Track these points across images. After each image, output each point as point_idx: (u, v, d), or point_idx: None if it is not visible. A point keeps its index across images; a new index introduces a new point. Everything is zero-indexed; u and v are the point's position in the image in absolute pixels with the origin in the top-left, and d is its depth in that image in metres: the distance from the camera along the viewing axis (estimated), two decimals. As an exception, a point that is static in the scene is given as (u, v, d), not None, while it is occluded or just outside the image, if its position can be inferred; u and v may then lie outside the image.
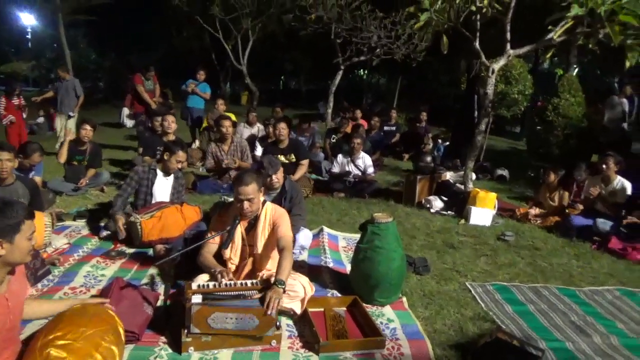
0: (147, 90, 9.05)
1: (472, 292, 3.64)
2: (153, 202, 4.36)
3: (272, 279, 2.80)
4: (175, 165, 4.45)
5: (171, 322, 2.82)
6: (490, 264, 4.29)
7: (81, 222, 4.66)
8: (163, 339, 2.70)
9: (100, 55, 26.59)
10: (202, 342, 2.59)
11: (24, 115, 8.79)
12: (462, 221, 5.46)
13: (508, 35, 5.62)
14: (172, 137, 5.98)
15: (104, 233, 4.29)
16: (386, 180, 7.55)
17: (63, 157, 5.72)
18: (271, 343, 2.68)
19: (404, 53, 10.56)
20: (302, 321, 3.00)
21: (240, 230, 3.10)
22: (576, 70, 14.33)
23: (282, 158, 5.97)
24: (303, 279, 3.09)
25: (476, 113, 6.93)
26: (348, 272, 3.87)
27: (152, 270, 3.64)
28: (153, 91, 9.17)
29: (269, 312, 2.57)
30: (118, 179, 6.31)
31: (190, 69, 10.16)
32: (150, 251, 4.02)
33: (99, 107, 18.45)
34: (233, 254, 3.11)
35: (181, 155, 4.45)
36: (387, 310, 3.26)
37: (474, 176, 7.22)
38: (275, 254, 3.21)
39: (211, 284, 2.82)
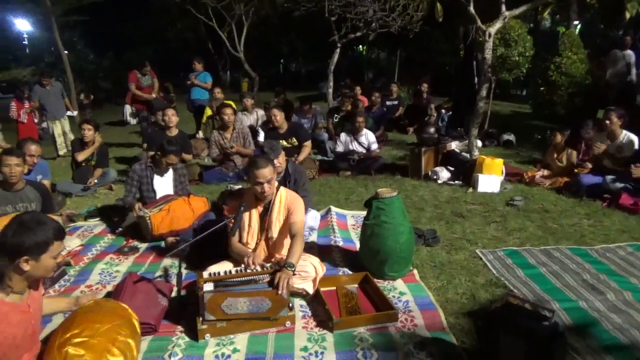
0: (144, 85, 8.90)
1: (483, 259, 3.65)
2: (157, 197, 4.40)
3: (283, 262, 2.84)
4: (164, 166, 4.48)
5: (186, 311, 2.88)
6: (500, 230, 4.29)
7: (92, 222, 4.72)
8: (180, 328, 2.75)
9: (98, 55, 26.56)
10: (217, 328, 2.64)
11: (35, 120, 8.91)
12: (470, 190, 5.44)
13: (503, -3, 5.52)
14: (174, 131, 6.00)
15: (118, 230, 4.37)
16: (392, 155, 7.52)
17: (82, 155, 5.82)
18: (285, 324, 2.73)
19: (400, 25, 10.38)
20: (315, 301, 3.04)
21: (256, 215, 3.13)
22: (578, 26, 14.02)
23: (284, 143, 5.97)
24: (314, 260, 3.12)
25: (476, 79, 6.83)
26: (357, 250, 3.91)
27: (165, 263, 3.70)
28: (151, 86, 9.03)
29: (279, 292, 2.61)
30: (125, 177, 6.35)
31: (188, 61, 10.05)
32: (162, 244, 4.07)
33: (102, 106, 18.54)
34: (250, 239, 3.16)
35: (172, 158, 4.45)
36: (399, 283, 3.28)
37: (479, 143, 7.18)
38: (287, 240, 3.25)
39: (222, 271, 2.86)
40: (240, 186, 5.22)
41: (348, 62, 24.47)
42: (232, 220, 3.04)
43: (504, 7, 5.44)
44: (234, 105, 8.32)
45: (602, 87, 8.28)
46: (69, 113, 9.66)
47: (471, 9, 5.60)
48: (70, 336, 1.94)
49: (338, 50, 12.08)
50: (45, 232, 1.89)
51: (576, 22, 13.85)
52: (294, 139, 6.13)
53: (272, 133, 6.19)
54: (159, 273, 3.52)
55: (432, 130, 6.13)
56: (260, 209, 3.19)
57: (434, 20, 9.63)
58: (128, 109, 13.15)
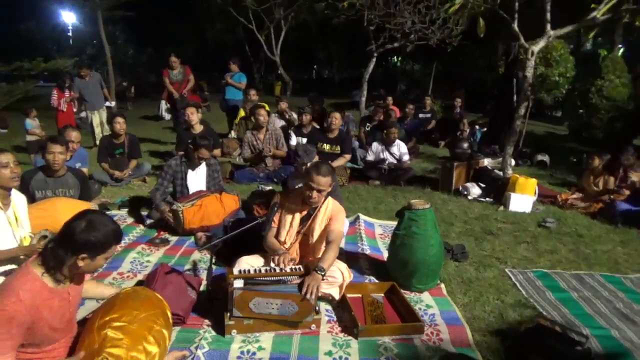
0: (173, 81, 8.73)
1: (513, 279, 3.59)
2: (190, 192, 4.48)
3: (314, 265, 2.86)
4: (197, 160, 4.51)
5: (214, 306, 2.92)
6: (530, 250, 4.22)
7: (125, 211, 4.84)
8: (207, 322, 2.80)
9: (137, 50, 27.28)
10: (244, 325, 2.67)
11: (74, 109, 9.16)
12: (501, 208, 5.36)
13: (548, 16, 5.45)
14: (198, 128, 6.09)
15: (148, 221, 4.45)
16: (422, 168, 7.48)
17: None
18: (311, 327, 2.74)
19: (439, 38, 10.34)
20: (341, 306, 3.05)
21: (298, 217, 3.17)
22: (621, 50, 13.69)
23: (327, 147, 6.05)
24: (342, 265, 3.13)
25: (515, 97, 6.73)
26: (385, 259, 3.90)
27: (195, 257, 3.76)
28: (182, 81, 8.76)
29: (307, 297, 2.63)
30: (159, 170, 6.50)
31: (224, 61, 10.20)
32: (192, 239, 4.14)
33: (139, 100, 19.00)
34: (288, 239, 3.20)
35: (203, 152, 4.47)
36: (426, 296, 3.26)
37: (513, 162, 7.06)
38: (324, 246, 3.27)
39: (252, 269, 2.90)
40: (270, 187, 5.28)
41: (382, 72, 24.48)
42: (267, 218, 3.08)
43: (549, 26, 5.37)
44: (267, 107, 8.44)
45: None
46: (107, 104, 9.91)
47: (515, 26, 5.53)
48: (110, 319, 2.00)
49: (374, 59, 12.13)
50: (108, 235, 1.94)
51: (619, 46, 13.54)
52: (338, 147, 6.21)
53: (320, 135, 6.29)
54: (188, 266, 3.59)
55: (465, 145, 6.07)
56: (304, 212, 3.22)
57: (472, 35, 9.58)
58: (164, 104, 13.48)
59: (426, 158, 8.37)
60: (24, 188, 3.76)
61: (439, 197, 5.78)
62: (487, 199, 5.70)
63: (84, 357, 1.91)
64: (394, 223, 4.73)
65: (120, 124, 5.87)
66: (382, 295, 3.25)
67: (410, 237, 3.26)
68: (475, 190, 5.81)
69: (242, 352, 2.53)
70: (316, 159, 4.24)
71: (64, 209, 3.62)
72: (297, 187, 5.07)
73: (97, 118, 9.31)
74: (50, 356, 1.96)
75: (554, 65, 7.91)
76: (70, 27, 31.52)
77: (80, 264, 1.90)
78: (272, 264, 2.96)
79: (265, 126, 6.25)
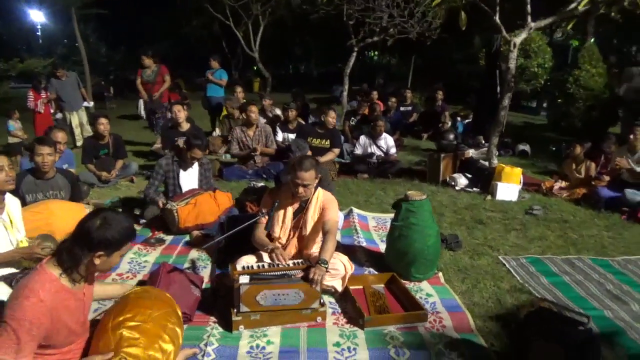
0: (145, 81, 8.21)
1: (506, 265, 3.69)
2: (183, 191, 4.45)
3: (316, 259, 2.89)
4: (190, 160, 4.48)
5: (218, 302, 2.93)
6: (520, 237, 4.33)
7: (117, 212, 4.77)
8: (213, 318, 2.81)
9: (111, 49, 26.72)
10: (251, 320, 2.69)
11: (52, 110, 8.95)
12: (489, 197, 5.48)
13: (529, 8, 5.56)
14: (185, 126, 6.05)
15: (142, 221, 4.41)
16: (407, 160, 7.55)
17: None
18: (317, 319, 2.78)
19: (418, 32, 10.44)
20: (344, 298, 3.09)
21: (290, 211, 3.18)
22: (592, 40, 14.05)
23: (316, 141, 6.10)
24: (343, 258, 3.17)
25: (498, 88, 6.86)
26: (381, 251, 3.96)
27: (193, 255, 3.75)
28: (154, 82, 8.20)
29: (313, 286, 2.66)
30: (146, 170, 6.43)
31: (201, 58, 10.04)
32: (187, 237, 4.12)
33: (116, 99, 18.63)
34: (282, 234, 3.21)
35: (197, 152, 4.43)
36: (425, 285, 3.33)
37: (496, 152, 7.20)
38: (320, 238, 3.30)
39: (255, 265, 2.91)
40: (262, 184, 5.28)
41: (359, 66, 24.52)
42: (267, 216, 3.08)
43: (529, 18, 5.49)
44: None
45: (617, 101, 8.30)
46: (85, 104, 9.71)
47: (497, 18, 5.64)
48: (124, 319, 1.99)
49: (354, 54, 12.17)
50: (124, 232, 1.94)
51: (590, 37, 13.90)
52: (328, 142, 6.26)
53: (311, 129, 6.35)
54: (187, 265, 3.57)
55: (451, 136, 6.18)
56: (295, 206, 3.23)
57: (451, 28, 9.69)
58: (142, 103, 13.27)
59: (410, 150, 8.46)
60: (14, 192, 3.68)
61: (427, 189, 5.86)
62: (474, 188, 5.81)
63: (101, 357, 1.91)
64: (387, 215, 4.85)
65: (104, 124, 5.77)
66: (383, 286, 3.30)
67: (408, 227, 3.32)
68: (462, 180, 5.92)
69: (251, 347, 2.55)
70: (309, 154, 4.24)
71: (58, 211, 3.57)
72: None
73: (76, 119, 9.11)
74: (66, 358, 1.94)
75: (533, 57, 8.08)
76: (39, 27, 30.67)
77: (97, 261, 1.90)
78: (269, 260, 2.97)
79: (256, 123, 6.24)
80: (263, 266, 2.89)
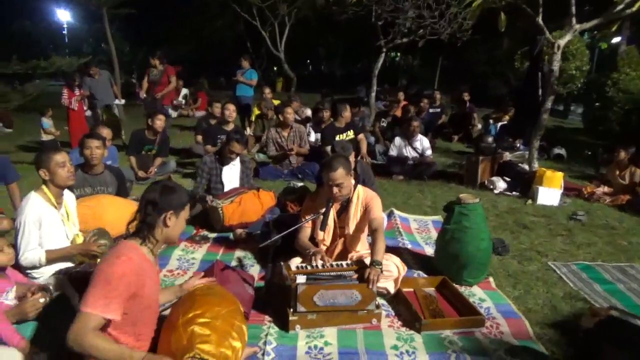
0: (150, 80, 8.43)
1: (557, 271, 3.62)
2: (225, 190, 4.47)
3: (368, 260, 2.87)
4: (228, 154, 4.50)
5: (271, 302, 2.93)
6: (568, 243, 4.24)
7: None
8: (268, 317, 2.80)
9: (133, 48, 27.08)
10: (307, 320, 2.68)
11: (85, 107, 9.08)
12: (529, 201, 5.39)
13: (573, 9, 5.45)
14: (231, 126, 6.08)
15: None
16: (440, 162, 7.47)
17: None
18: (372, 321, 2.75)
19: (449, 32, 10.32)
20: (396, 300, 3.06)
21: (332, 212, 3.16)
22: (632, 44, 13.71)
23: (342, 136, 6.10)
24: (395, 259, 3.13)
25: (540, 91, 6.74)
26: (426, 253, 3.92)
27: (239, 254, 3.76)
28: (158, 82, 8.37)
29: (369, 287, 2.63)
30: (181, 168, 6.49)
31: (223, 58, 10.06)
32: (231, 235, 4.13)
33: (137, 98, 18.85)
34: (326, 235, 3.18)
35: (235, 146, 4.45)
36: (477, 290, 3.28)
37: (537, 155, 7.08)
38: (364, 236, 3.27)
39: (308, 265, 2.90)
40: (301, 184, 5.27)
41: (382, 67, 24.42)
42: (321, 216, 3.06)
43: (574, 20, 5.37)
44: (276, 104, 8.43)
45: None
46: (117, 101, 9.85)
47: (539, 19, 5.54)
48: (194, 316, 1.99)
49: (383, 55, 12.10)
50: (182, 193, 2.15)
51: (617, 39, 13.54)
52: (351, 132, 6.30)
53: (331, 129, 6.35)
54: (234, 263, 3.58)
55: (490, 139, 6.09)
56: (337, 206, 3.21)
57: (479, 29, 9.54)
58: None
59: (442, 152, 8.38)
60: (65, 186, 3.74)
61: (465, 192, 5.75)
62: (514, 192, 5.72)
63: (174, 354, 1.91)
64: (428, 218, 4.81)
65: (161, 120, 5.85)
66: (434, 289, 3.26)
67: (461, 231, 3.28)
68: (501, 184, 5.83)
69: (309, 348, 2.53)
70: (353, 154, 4.22)
71: (109, 206, 3.62)
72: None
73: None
74: (136, 345, 1.97)
75: (571, 59, 7.92)
76: (65, 26, 31.28)
77: (169, 223, 2.05)
78: (313, 263, 2.94)
79: (291, 124, 6.25)
80: (317, 267, 2.87)
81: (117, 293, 1.81)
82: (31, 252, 2.76)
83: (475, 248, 3.23)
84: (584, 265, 3.76)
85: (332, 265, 2.90)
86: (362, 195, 3.20)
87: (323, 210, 3.07)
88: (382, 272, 2.83)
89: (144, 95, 8.62)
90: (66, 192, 3.12)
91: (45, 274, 2.84)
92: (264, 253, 3.33)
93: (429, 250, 3.98)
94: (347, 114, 6.36)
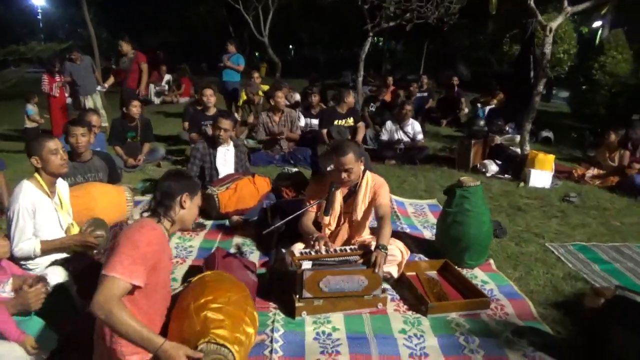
0: (121, 67, 7.94)
1: (555, 252, 3.65)
2: (220, 176, 4.39)
3: (372, 245, 2.84)
4: (218, 134, 4.37)
5: (275, 288, 2.89)
6: (563, 225, 4.28)
7: (150, 197, 4.71)
8: (272, 304, 2.77)
9: (111, 34, 26.40)
10: (314, 306, 2.65)
11: (66, 93, 8.82)
12: (522, 184, 5.42)
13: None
14: (213, 111, 5.93)
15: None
16: (431, 146, 7.47)
17: None
18: (378, 306, 2.74)
19: (436, 17, 10.26)
20: (400, 284, 3.05)
21: (339, 197, 3.11)
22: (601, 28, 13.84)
23: (342, 122, 6.08)
24: (399, 244, 3.12)
25: (532, 74, 6.75)
26: (425, 237, 3.92)
27: (237, 241, 3.70)
28: (128, 70, 7.85)
29: (375, 271, 2.61)
30: (170, 155, 6.36)
31: (205, 44, 9.82)
32: (227, 222, 4.07)
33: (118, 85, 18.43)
34: (332, 220, 3.14)
35: (223, 122, 4.33)
36: (478, 272, 3.29)
37: (518, 138, 7.12)
38: (369, 223, 3.24)
39: (312, 251, 2.85)
40: (296, 169, 5.21)
41: (367, 52, 24.27)
42: (325, 201, 3.01)
43: (566, 2, 5.37)
44: (266, 88, 8.30)
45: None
46: (99, 88, 9.59)
47: (531, 2, 5.52)
48: (206, 302, 1.95)
49: (369, 39, 12.00)
50: (192, 178, 2.26)
51: (598, 24, 13.66)
52: (351, 119, 6.31)
53: (332, 112, 6.36)
54: (233, 250, 3.52)
55: (482, 123, 6.09)
56: (345, 190, 3.17)
57: (465, 13, 9.49)
58: (152, 88, 13.13)
59: (432, 137, 8.38)
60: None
61: (457, 175, 5.74)
62: (505, 175, 5.75)
63: (187, 340, 1.86)
64: (423, 202, 4.81)
65: (137, 107, 5.68)
66: (436, 272, 3.26)
67: (463, 214, 3.27)
68: (493, 167, 5.86)
69: (317, 334, 2.51)
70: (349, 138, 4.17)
71: (99, 196, 3.52)
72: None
73: (91, 102, 8.97)
74: (152, 319, 1.94)
75: (559, 42, 7.94)
76: (39, 10, 30.31)
77: (185, 204, 2.10)
78: (317, 248, 2.89)
79: (282, 109, 6.16)
80: (320, 252, 2.83)
81: (144, 259, 1.82)
82: (26, 242, 2.66)
83: (477, 230, 3.23)
84: (580, 245, 3.80)
85: (335, 251, 2.86)
86: (371, 182, 3.16)
87: (327, 196, 3.01)
88: (386, 256, 2.81)
89: (106, 86, 8.44)
90: (59, 180, 3.02)
91: (41, 265, 2.74)
92: (267, 239, 3.28)
93: (427, 234, 3.98)
94: (350, 99, 6.32)
